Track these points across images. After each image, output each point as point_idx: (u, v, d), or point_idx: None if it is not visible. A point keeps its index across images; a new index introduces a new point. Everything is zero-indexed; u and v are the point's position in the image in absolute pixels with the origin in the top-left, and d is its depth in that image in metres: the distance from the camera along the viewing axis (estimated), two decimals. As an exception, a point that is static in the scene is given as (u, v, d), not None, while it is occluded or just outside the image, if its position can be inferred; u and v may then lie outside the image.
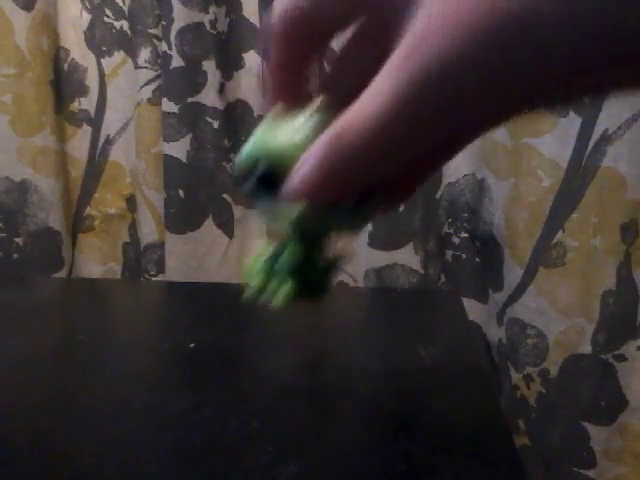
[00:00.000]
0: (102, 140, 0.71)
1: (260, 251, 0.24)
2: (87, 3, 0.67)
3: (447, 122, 0.16)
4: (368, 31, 0.20)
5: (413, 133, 0.16)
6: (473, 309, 0.64)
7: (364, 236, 0.66)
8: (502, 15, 0.13)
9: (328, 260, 0.24)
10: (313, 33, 0.19)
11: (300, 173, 0.18)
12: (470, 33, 0.14)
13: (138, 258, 0.73)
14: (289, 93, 0.22)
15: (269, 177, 0.20)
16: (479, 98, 0.15)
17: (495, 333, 0.65)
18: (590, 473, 0.59)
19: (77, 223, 0.73)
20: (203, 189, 0.68)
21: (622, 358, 0.57)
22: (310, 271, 0.23)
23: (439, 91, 0.15)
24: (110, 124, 0.71)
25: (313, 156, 0.17)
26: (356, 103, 0.16)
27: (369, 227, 0.66)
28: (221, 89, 0.67)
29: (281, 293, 0.23)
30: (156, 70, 0.66)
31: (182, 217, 0.68)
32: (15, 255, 0.69)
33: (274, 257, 0.23)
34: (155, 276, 0.71)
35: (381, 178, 0.18)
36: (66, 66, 0.69)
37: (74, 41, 0.68)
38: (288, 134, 0.20)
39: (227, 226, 0.71)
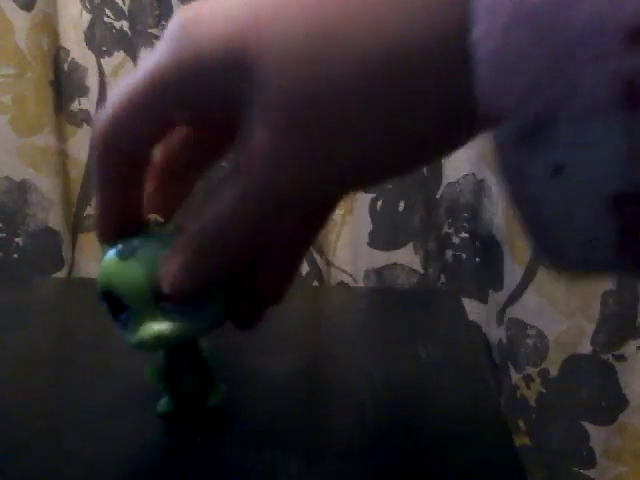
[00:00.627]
0: (102, 140, 0.71)
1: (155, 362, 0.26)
2: (87, 3, 0.67)
3: (283, 224, 0.20)
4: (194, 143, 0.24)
5: (258, 229, 0.19)
6: (473, 309, 0.64)
7: (364, 236, 0.66)
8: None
9: (201, 364, 0.26)
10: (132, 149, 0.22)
11: (170, 270, 0.20)
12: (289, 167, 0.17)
13: (138, 258, 0.73)
14: (123, 215, 0.24)
15: (119, 307, 0.22)
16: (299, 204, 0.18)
17: (495, 333, 0.65)
18: (590, 473, 0.59)
19: (77, 223, 0.73)
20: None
21: (622, 358, 0.57)
22: (182, 379, 0.26)
23: (268, 206, 0.18)
24: (110, 124, 0.71)
25: (181, 252, 0.20)
26: (211, 204, 0.19)
27: (369, 227, 0.66)
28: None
29: (163, 403, 0.26)
30: (156, 70, 0.66)
31: (182, 217, 0.68)
32: (15, 255, 0.69)
33: (159, 368, 0.26)
34: (155, 276, 0.71)
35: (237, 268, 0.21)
36: (66, 66, 0.69)
37: (74, 41, 0.68)
38: (132, 265, 0.22)
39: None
